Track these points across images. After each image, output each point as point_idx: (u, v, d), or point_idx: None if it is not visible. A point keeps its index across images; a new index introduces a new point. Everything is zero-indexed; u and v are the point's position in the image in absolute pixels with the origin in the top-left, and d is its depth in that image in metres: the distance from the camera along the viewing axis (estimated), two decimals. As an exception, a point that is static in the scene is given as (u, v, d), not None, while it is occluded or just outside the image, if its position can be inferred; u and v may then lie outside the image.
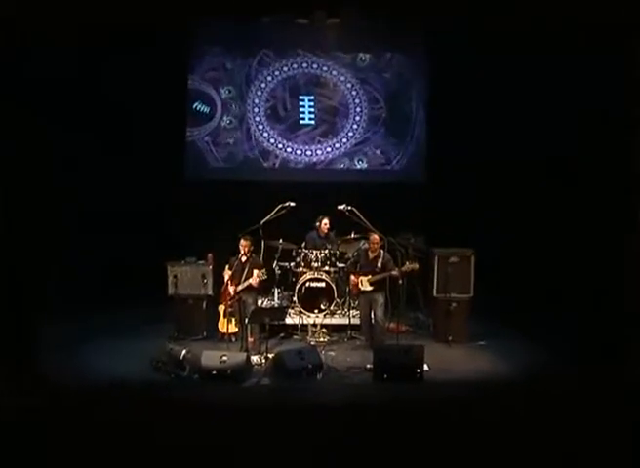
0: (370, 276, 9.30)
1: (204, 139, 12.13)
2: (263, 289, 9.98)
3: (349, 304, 10.23)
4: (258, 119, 12.16)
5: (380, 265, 9.29)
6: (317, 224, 10.62)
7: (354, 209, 9.97)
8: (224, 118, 12.14)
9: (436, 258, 9.89)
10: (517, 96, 10.92)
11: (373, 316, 9.46)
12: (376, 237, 9.36)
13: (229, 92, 12.12)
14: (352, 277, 9.52)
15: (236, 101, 12.12)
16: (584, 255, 10.02)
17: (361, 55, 12.06)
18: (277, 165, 12.23)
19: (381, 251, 9.37)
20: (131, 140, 11.46)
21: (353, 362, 8.90)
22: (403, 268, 9.18)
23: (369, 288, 9.32)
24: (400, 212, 11.48)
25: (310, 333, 9.95)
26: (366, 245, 9.88)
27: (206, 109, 12.05)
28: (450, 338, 9.67)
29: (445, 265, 9.83)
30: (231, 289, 9.25)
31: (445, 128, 11.62)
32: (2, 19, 7.82)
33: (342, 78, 12.13)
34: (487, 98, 11.25)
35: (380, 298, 9.29)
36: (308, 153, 12.21)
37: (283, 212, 10.20)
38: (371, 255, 9.45)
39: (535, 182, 11.03)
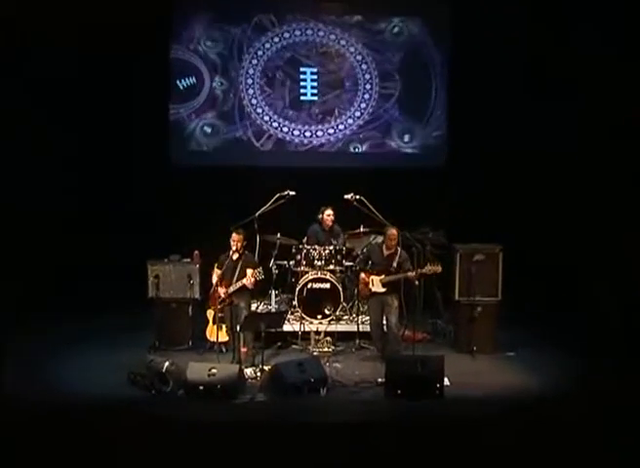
0: (383, 276, 9.30)
1: (189, 118, 12.12)
2: (259, 290, 9.98)
3: (358, 309, 10.21)
4: (251, 94, 12.15)
5: (395, 264, 9.29)
6: (320, 216, 10.64)
7: (363, 198, 9.96)
8: (213, 93, 12.12)
9: (458, 256, 9.87)
10: (551, 75, 11.03)
11: (385, 322, 9.46)
12: (394, 232, 9.31)
13: (219, 63, 12.11)
14: (362, 276, 9.51)
15: (227, 74, 12.11)
16: (629, 256, 10.04)
17: (373, 22, 12.05)
18: (274, 147, 12.21)
19: (398, 247, 9.34)
20: (104, 119, 11.49)
21: (362, 375, 8.89)
22: (423, 270, 9.16)
23: (381, 289, 9.31)
24: (416, 202, 11.51)
25: (313, 343, 9.92)
26: (377, 240, 9.86)
27: (191, 83, 12.05)
28: (474, 348, 9.67)
29: (469, 264, 9.81)
30: (221, 291, 9.25)
31: (469, 106, 11.62)
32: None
33: (352, 49, 12.12)
34: (517, 77, 11.29)
35: (394, 302, 9.28)
36: (310, 134, 12.20)
37: (281, 202, 10.20)
38: (386, 252, 9.41)
39: (572, 171, 11.07)
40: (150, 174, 11.64)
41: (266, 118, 12.17)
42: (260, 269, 9.25)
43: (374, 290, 9.35)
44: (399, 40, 12.06)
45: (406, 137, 12.20)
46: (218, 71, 12.13)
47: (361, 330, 9.97)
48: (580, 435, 6.72)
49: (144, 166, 11.61)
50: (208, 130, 12.17)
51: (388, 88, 12.13)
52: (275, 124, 12.17)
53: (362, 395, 8.38)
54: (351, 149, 12.25)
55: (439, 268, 9.19)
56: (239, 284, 9.18)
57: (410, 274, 9.15)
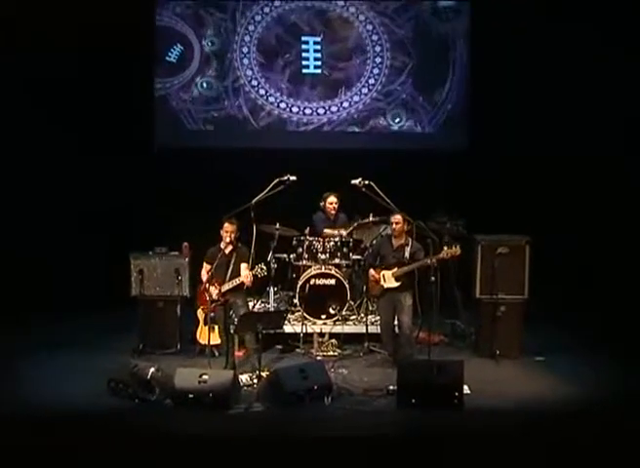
0: (396, 269, 9.29)
1: (178, 94, 12.11)
2: (255, 288, 9.97)
3: (367, 307, 10.21)
4: (247, 66, 12.14)
5: (407, 255, 9.27)
6: (322, 204, 10.62)
7: (372, 184, 9.92)
8: (205, 67, 12.10)
9: (480, 249, 9.85)
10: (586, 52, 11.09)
11: (397, 322, 9.45)
12: (398, 216, 9.33)
13: (211, 31, 12.09)
14: (372, 272, 9.50)
15: (219, 43, 12.10)
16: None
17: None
18: (272, 126, 12.19)
19: (409, 238, 9.33)
20: (82, 95, 11.48)
21: (372, 382, 8.88)
22: (440, 255, 9.13)
23: (394, 284, 9.29)
24: (433, 188, 11.52)
25: (316, 346, 9.94)
26: (388, 230, 9.82)
27: (179, 52, 12.03)
28: (497, 352, 9.65)
29: (491, 257, 9.79)
30: (213, 290, 9.25)
31: (492, 82, 11.61)
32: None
33: (362, 17, 12.07)
34: (547, 48, 11.28)
35: (407, 299, 9.27)
36: (313, 111, 12.19)
37: (280, 188, 10.17)
38: (395, 243, 9.41)
39: (604, 157, 11.09)
40: (132, 156, 11.64)
41: (262, 92, 12.15)
42: (263, 265, 9.25)
43: (386, 285, 9.33)
44: (414, 8, 12.03)
45: (421, 116, 12.17)
46: (209, 42, 12.11)
47: (370, 331, 9.95)
48: (621, 454, 6.66)
49: (125, 148, 11.61)
50: (198, 108, 12.15)
51: (401, 61, 12.11)
52: (276, 101, 12.15)
53: (371, 405, 8.34)
54: (359, 129, 12.23)
55: (458, 250, 9.14)
56: (235, 281, 9.15)
57: (426, 261, 9.11)
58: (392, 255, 9.37)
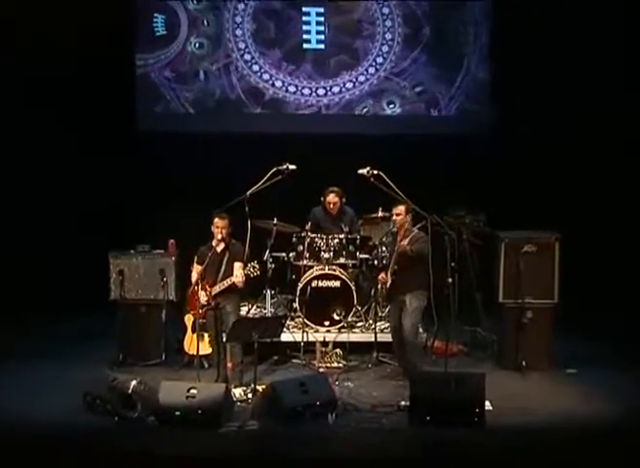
0: (395, 267, 9.29)
1: (162, 72, 12.14)
2: (250, 290, 9.99)
3: (375, 313, 10.21)
4: (241, 40, 12.15)
5: (402, 248, 9.21)
6: (322, 199, 10.63)
7: (382, 173, 9.90)
8: (192, 40, 12.14)
9: (503, 247, 9.83)
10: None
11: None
12: (400, 207, 9.31)
13: (199, 1, 12.12)
14: (382, 276, 9.46)
15: (210, 15, 12.13)
16: None
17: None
18: (269, 109, 12.23)
19: (414, 229, 9.30)
20: (54, 72, 11.48)
21: (381, 397, 8.88)
22: (407, 244, 9.10)
23: (389, 282, 9.30)
24: (450, 179, 11.53)
25: (318, 356, 9.94)
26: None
27: (164, 23, 12.04)
28: (523, 363, 9.64)
29: (517, 257, 9.76)
30: (202, 292, 9.22)
31: (517, 58, 11.62)
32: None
33: (371, -14, 12.11)
34: (577, 24, 11.30)
35: (412, 302, 9.24)
36: (312, 92, 12.24)
37: (278, 178, 10.15)
38: (400, 238, 9.41)
39: None
40: (111, 142, 11.67)
41: (262, 74, 12.17)
42: (255, 263, 9.21)
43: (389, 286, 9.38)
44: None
45: (436, 98, 12.19)
46: (198, 13, 12.11)
47: (380, 339, 9.94)
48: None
49: (104, 132, 11.64)
50: (186, 88, 12.18)
51: (414, 38, 12.13)
52: (274, 81, 12.17)
53: (380, 422, 8.32)
54: (367, 112, 12.24)
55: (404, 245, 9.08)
56: (226, 282, 9.13)
57: (399, 246, 9.08)
58: (395, 252, 9.35)
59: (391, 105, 12.25)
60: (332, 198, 10.52)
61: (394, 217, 9.36)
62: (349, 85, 12.19)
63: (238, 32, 12.14)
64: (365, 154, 10.56)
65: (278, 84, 12.17)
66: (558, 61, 11.46)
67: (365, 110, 12.24)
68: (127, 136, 11.86)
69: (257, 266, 9.20)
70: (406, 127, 12.11)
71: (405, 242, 9.18)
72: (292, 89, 12.18)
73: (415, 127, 12.11)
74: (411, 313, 9.21)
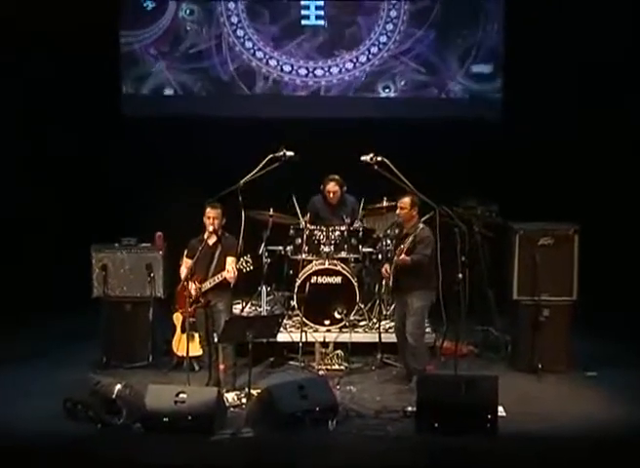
0: (392, 266, 9.29)
1: (149, 50, 12.14)
2: (244, 286, 9.98)
3: (380, 311, 10.20)
4: (233, 14, 12.15)
5: (404, 247, 9.19)
6: (322, 188, 10.63)
7: (386, 160, 9.89)
8: (181, 15, 12.14)
9: (518, 239, 9.84)
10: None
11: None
12: (405, 200, 9.31)
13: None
14: (385, 267, 9.50)
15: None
16: None
17: None
18: (265, 91, 12.26)
19: (420, 224, 9.30)
20: (30, 49, 11.48)
21: (386, 402, 8.88)
22: (396, 258, 9.10)
23: (390, 282, 9.34)
24: (460, 166, 11.54)
25: (318, 358, 9.96)
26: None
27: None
28: (539, 366, 9.64)
29: (532, 250, 9.77)
30: (193, 288, 9.22)
31: (533, 34, 11.60)
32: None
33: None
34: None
35: (415, 301, 9.23)
36: (309, 72, 12.26)
37: (275, 165, 10.14)
38: (405, 230, 9.41)
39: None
40: (94, 127, 11.67)
41: (256, 52, 12.18)
42: (248, 257, 9.17)
43: (391, 283, 9.39)
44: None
45: (445, 78, 12.19)
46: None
47: (384, 340, 9.96)
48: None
49: (86, 116, 11.63)
50: (176, 69, 12.19)
51: (422, 14, 12.13)
52: (270, 60, 12.18)
53: (385, 429, 8.30)
54: (371, 94, 12.25)
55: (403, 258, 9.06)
56: (217, 278, 9.12)
57: (397, 259, 9.08)
58: (397, 247, 9.36)
59: (396, 87, 12.24)
60: (332, 187, 10.51)
61: (398, 211, 9.35)
62: (349, 65, 12.20)
63: (231, 5, 12.14)
64: (368, 140, 10.54)
65: (272, 63, 12.17)
66: (578, 39, 11.43)
67: (367, 92, 12.23)
68: (111, 119, 11.87)
69: (250, 261, 9.17)
70: (412, 110, 12.13)
71: (409, 240, 9.14)
72: (287, 68, 12.18)
73: (422, 110, 12.13)
74: (413, 314, 9.22)
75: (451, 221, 9.64)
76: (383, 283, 9.74)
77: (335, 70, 12.19)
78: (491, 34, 12.09)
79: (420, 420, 8.21)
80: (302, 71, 12.20)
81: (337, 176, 10.52)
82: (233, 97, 12.19)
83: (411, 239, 9.15)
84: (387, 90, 12.24)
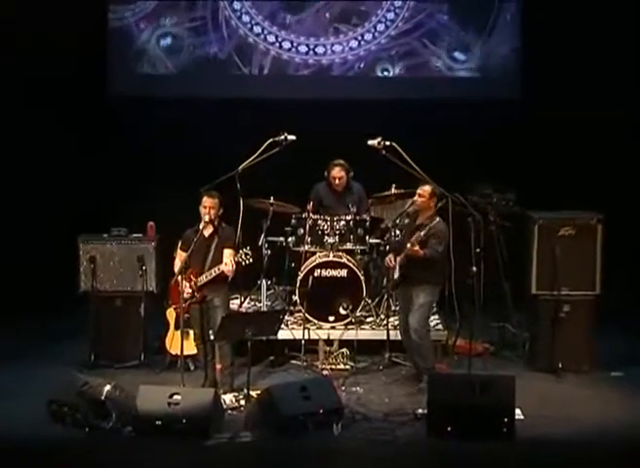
0: (402, 255, 9.26)
1: (139, 25, 12.15)
2: (242, 280, 9.99)
3: (388, 306, 10.21)
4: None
5: (417, 238, 9.11)
6: (325, 173, 10.59)
7: (395, 145, 9.88)
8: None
9: (537, 229, 9.82)
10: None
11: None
12: (427, 188, 9.27)
13: None
14: (389, 257, 9.48)
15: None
16: None
17: None
18: (266, 70, 12.26)
19: (436, 217, 9.28)
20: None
21: (395, 404, 8.90)
22: (412, 239, 9.03)
23: (397, 275, 9.31)
24: (475, 150, 11.53)
25: (322, 357, 9.97)
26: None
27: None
28: (560, 365, 9.66)
29: (552, 241, 9.75)
30: (187, 282, 9.20)
31: (554, 7, 11.56)
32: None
33: None
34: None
35: (420, 296, 9.22)
36: (312, 50, 12.25)
37: (275, 150, 10.13)
38: (418, 221, 9.40)
39: None
40: (78, 107, 11.66)
41: (256, 28, 12.18)
42: (247, 249, 9.16)
43: (395, 277, 9.39)
44: None
45: (459, 55, 12.22)
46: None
47: (393, 337, 9.95)
48: None
49: (72, 97, 11.61)
50: (167, 42, 12.19)
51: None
52: (270, 36, 12.19)
53: (394, 434, 8.30)
54: (379, 72, 12.27)
55: (415, 247, 9.00)
56: (214, 272, 9.12)
57: (408, 246, 9.03)
58: (407, 237, 9.33)
59: (407, 65, 12.22)
60: (337, 172, 10.48)
61: (416, 198, 9.29)
62: (354, 43, 12.19)
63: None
64: (375, 122, 10.58)
65: (271, 39, 12.16)
66: (602, 16, 11.41)
67: (378, 71, 12.25)
68: (98, 100, 11.86)
69: (250, 253, 9.16)
70: (424, 89, 12.11)
71: (423, 232, 9.12)
72: (286, 45, 12.16)
73: (432, 90, 12.10)
74: (417, 310, 9.22)
75: (465, 210, 9.66)
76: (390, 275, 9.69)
77: (337, 48, 12.18)
78: (507, 7, 12.08)
79: (432, 424, 8.20)
80: (303, 48, 12.19)
81: (342, 161, 10.50)
82: (229, 76, 12.18)
83: (425, 231, 9.14)
84: (395, 69, 12.21)
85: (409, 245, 9.01)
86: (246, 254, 9.07)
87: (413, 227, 9.39)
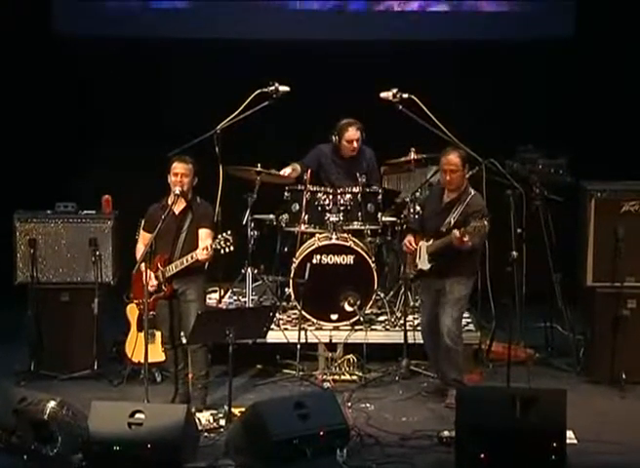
0: (431, 241, 9.28)
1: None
2: (221, 269, 10.13)
3: (405, 301, 10.24)
4: None
5: (452, 220, 9.19)
6: (335, 137, 10.58)
7: (415, 98, 9.90)
8: None
9: (594, 205, 9.86)
10: None
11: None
12: (452, 157, 9.22)
13: None
14: (409, 238, 9.50)
15: None
16: None
17: None
18: (253, 7, 12.30)
19: (470, 191, 9.28)
20: None
21: (414, 424, 8.94)
22: (468, 228, 8.96)
23: (425, 266, 9.36)
24: (516, 103, 11.58)
25: (323, 365, 10.03)
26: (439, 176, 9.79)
27: None
28: (623, 375, 9.68)
29: (613, 220, 9.79)
30: (153, 272, 9.22)
31: None
32: None
33: None
34: None
35: (454, 290, 9.27)
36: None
37: (264, 105, 10.16)
38: (447, 198, 9.39)
39: None
40: (20, 48, 11.68)
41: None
42: (228, 233, 9.11)
43: (419, 265, 9.42)
44: None
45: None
46: None
47: (411, 340, 10.03)
48: None
49: (9, 35, 11.68)
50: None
51: None
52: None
53: (413, 461, 8.31)
54: (396, 7, 12.31)
55: (483, 224, 8.92)
56: (187, 259, 9.12)
57: (454, 234, 8.97)
58: (435, 218, 9.35)
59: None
60: (353, 133, 10.43)
61: (451, 174, 9.21)
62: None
63: None
64: (391, 69, 10.55)
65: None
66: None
67: (396, 5, 12.31)
68: (40, 39, 11.90)
69: (231, 239, 9.11)
70: (451, 28, 12.18)
71: (453, 214, 9.13)
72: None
73: (462, 28, 12.16)
74: (452, 306, 9.25)
75: (502, 181, 9.68)
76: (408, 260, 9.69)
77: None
78: None
79: (461, 450, 8.19)
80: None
81: (355, 120, 10.47)
82: (210, 14, 12.19)
83: (461, 209, 9.14)
84: (417, 3, 12.26)
85: (456, 233, 8.93)
86: (226, 241, 8.96)
87: (441, 206, 9.38)
